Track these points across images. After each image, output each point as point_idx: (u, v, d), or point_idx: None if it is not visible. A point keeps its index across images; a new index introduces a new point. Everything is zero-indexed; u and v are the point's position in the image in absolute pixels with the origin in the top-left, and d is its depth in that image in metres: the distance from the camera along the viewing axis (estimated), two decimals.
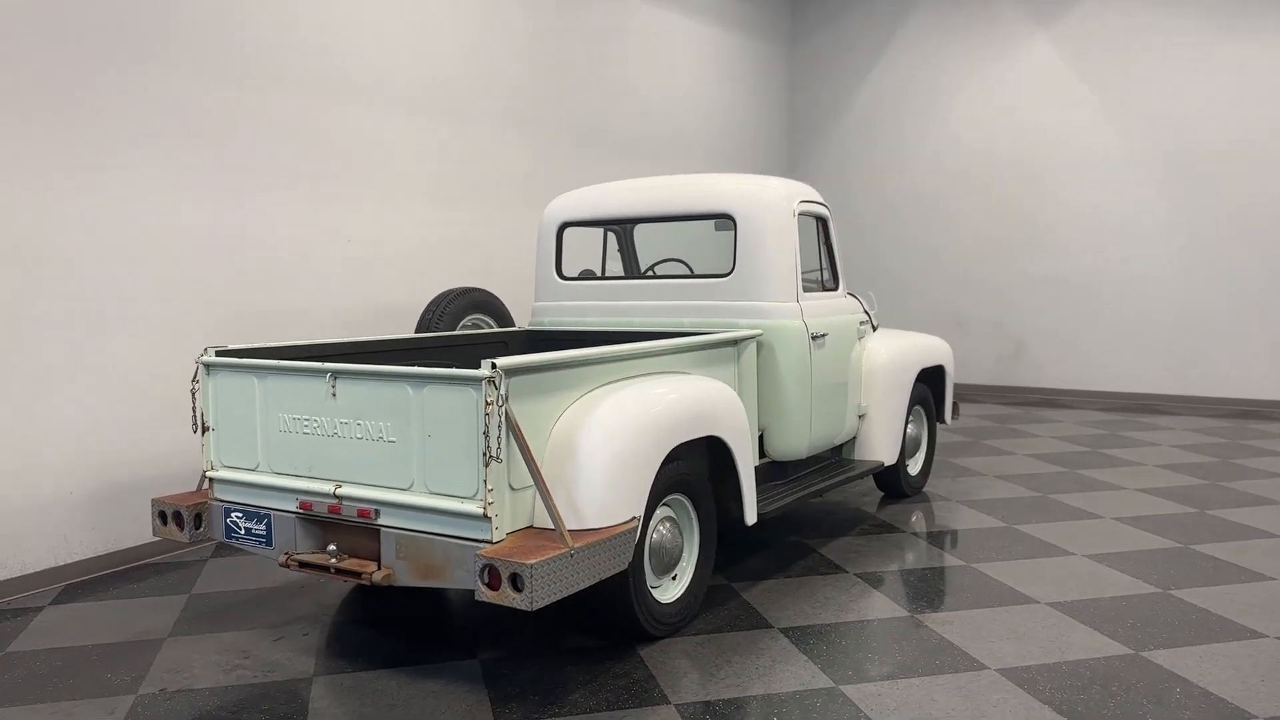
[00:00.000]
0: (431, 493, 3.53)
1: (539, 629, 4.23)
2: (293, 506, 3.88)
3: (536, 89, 8.06)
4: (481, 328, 5.67)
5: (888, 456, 5.89)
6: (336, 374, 3.72)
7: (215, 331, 5.61)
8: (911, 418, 6.43)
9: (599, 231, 7.30)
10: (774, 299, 5.05)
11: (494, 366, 3.35)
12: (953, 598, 4.52)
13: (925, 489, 6.67)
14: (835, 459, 5.83)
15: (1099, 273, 10.59)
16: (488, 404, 3.34)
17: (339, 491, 3.72)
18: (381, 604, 4.59)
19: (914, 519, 5.90)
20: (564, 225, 5.69)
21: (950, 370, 6.70)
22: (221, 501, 4.10)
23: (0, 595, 4.72)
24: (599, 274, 6.16)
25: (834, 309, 5.47)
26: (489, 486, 3.36)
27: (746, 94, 11.30)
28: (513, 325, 5.86)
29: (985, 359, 11.31)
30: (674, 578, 4.25)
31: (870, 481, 6.80)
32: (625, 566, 3.64)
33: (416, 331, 5.37)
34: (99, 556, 5.11)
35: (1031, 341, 11.02)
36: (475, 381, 3.39)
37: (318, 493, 3.78)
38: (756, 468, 5.04)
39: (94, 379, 5.08)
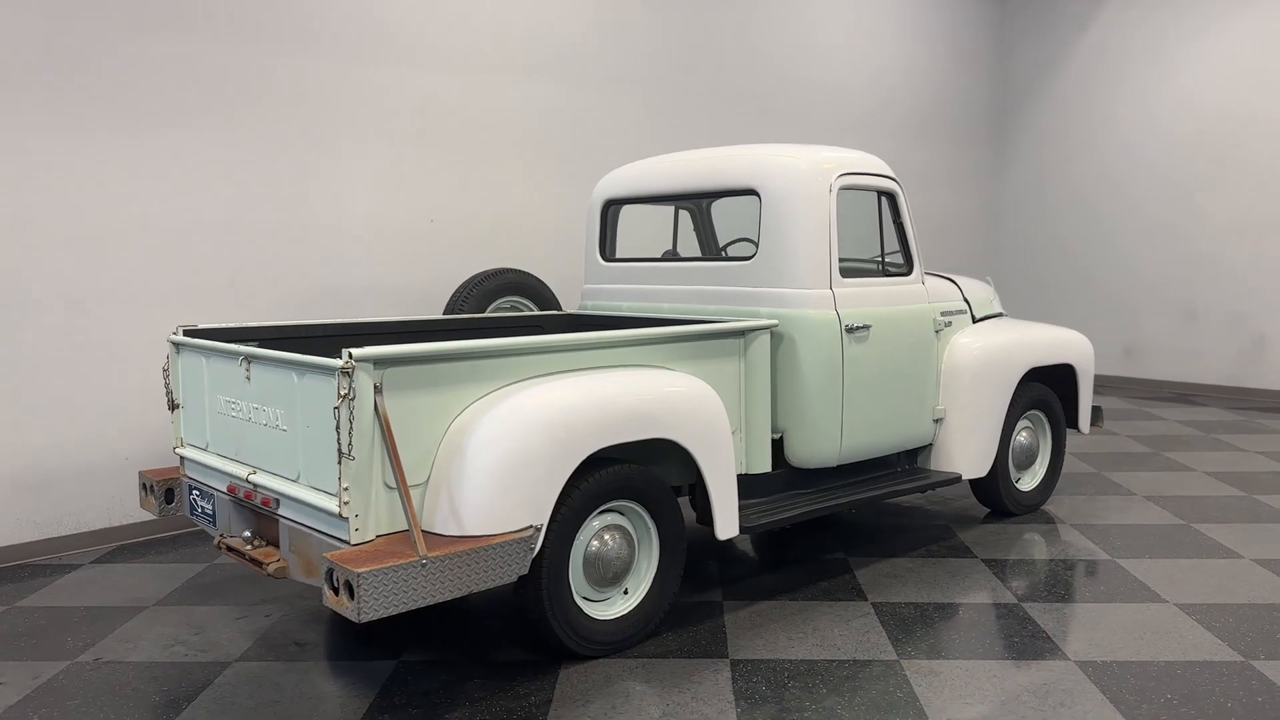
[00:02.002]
0: (310, 487, 3.37)
1: (485, 635, 3.98)
2: (225, 489, 3.86)
3: (674, 50, 7.69)
4: (521, 310, 5.45)
5: (971, 468, 5.10)
6: (249, 358, 3.64)
7: (276, 307, 5.77)
8: (1022, 425, 5.54)
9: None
10: (799, 285, 4.46)
11: (349, 356, 3.12)
12: (970, 657, 3.81)
13: (1045, 507, 5.74)
14: (904, 467, 5.12)
15: None
16: (340, 396, 3.12)
17: (251, 478, 3.65)
18: None
19: (998, 545, 5.07)
20: (608, 203, 5.35)
21: (1084, 370, 5.71)
22: (187, 479, 4.16)
23: (53, 551, 5.10)
24: (678, 255, 5.78)
25: (890, 297, 4.77)
26: (344, 485, 3.15)
27: (949, 56, 10.29)
28: (558, 309, 5.59)
29: (1218, 355, 9.71)
30: (625, 592, 3.86)
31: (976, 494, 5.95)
32: (514, 579, 3.31)
33: (444, 314, 5.24)
34: (150, 521, 5.40)
35: (1275, 337, 9.31)
36: (331, 372, 3.18)
37: (238, 477, 3.73)
38: (775, 475, 4.50)
39: (154, 353, 5.35)
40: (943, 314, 5.12)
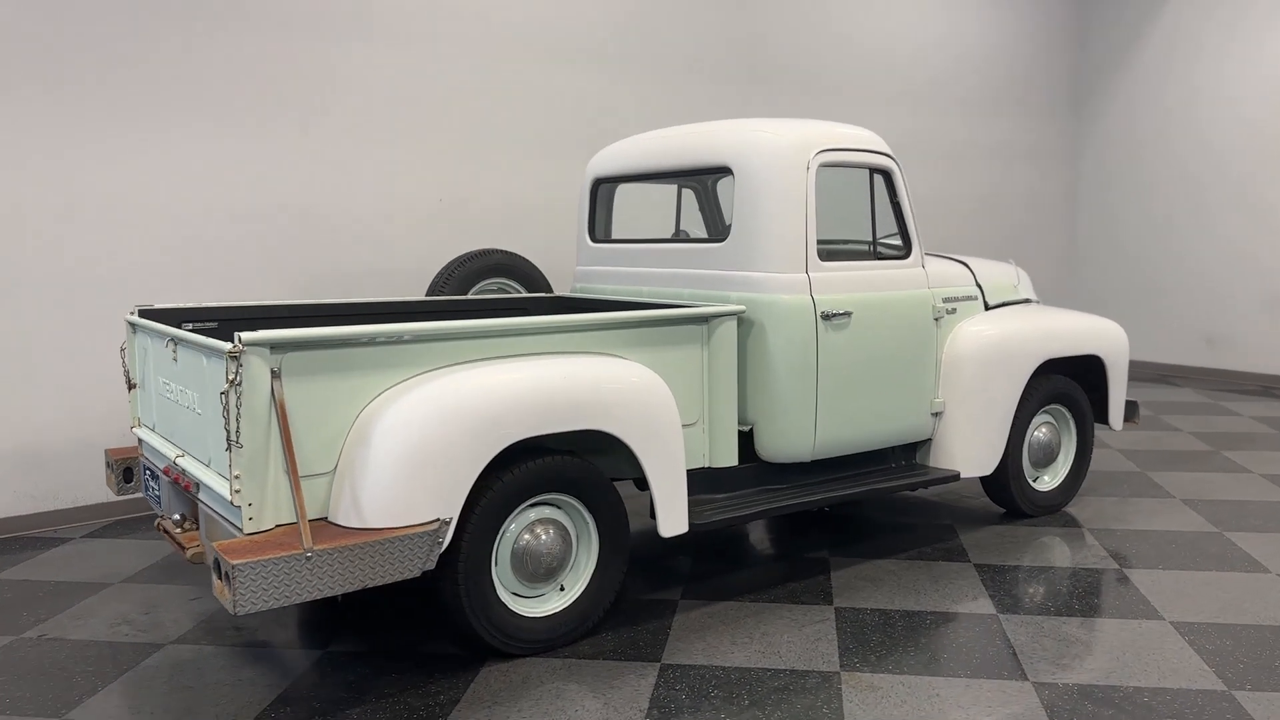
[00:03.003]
0: (216, 473, 3.31)
1: (426, 628, 3.88)
2: (164, 470, 3.84)
3: (706, 21, 7.43)
4: (509, 292, 5.31)
5: (972, 466, 4.76)
6: (175, 340, 3.59)
7: (283, 288, 5.78)
8: (1041, 420, 5.15)
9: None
10: (770, 269, 4.21)
11: (238, 340, 3.03)
12: (920, 673, 3.53)
13: (1067, 509, 5.34)
14: (900, 463, 4.81)
15: None
16: (228, 382, 3.03)
17: (179, 460, 3.61)
18: None
19: (999, 549, 4.73)
20: (597, 181, 5.16)
21: (1114, 361, 5.28)
22: (144, 459, 4.17)
23: (49, 524, 5.22)
24: (687, 235, 5.57)
25: (878, 281, 4.46)
26: (234, 472, 3.06)
27: (1021, 23, 9.73)
28: (548, 291, 5.43)
29: None
30: (561, 588, 3.70)
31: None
32: (418, 574, 3.19)
33: (427, 296, 5.14)
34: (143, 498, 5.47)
35: None
36: (220, 355, 3.09)
37: (169, 459, 3.71)
38: (743, 469, 4.27)
39: None
40: (945, 300, 4.78)
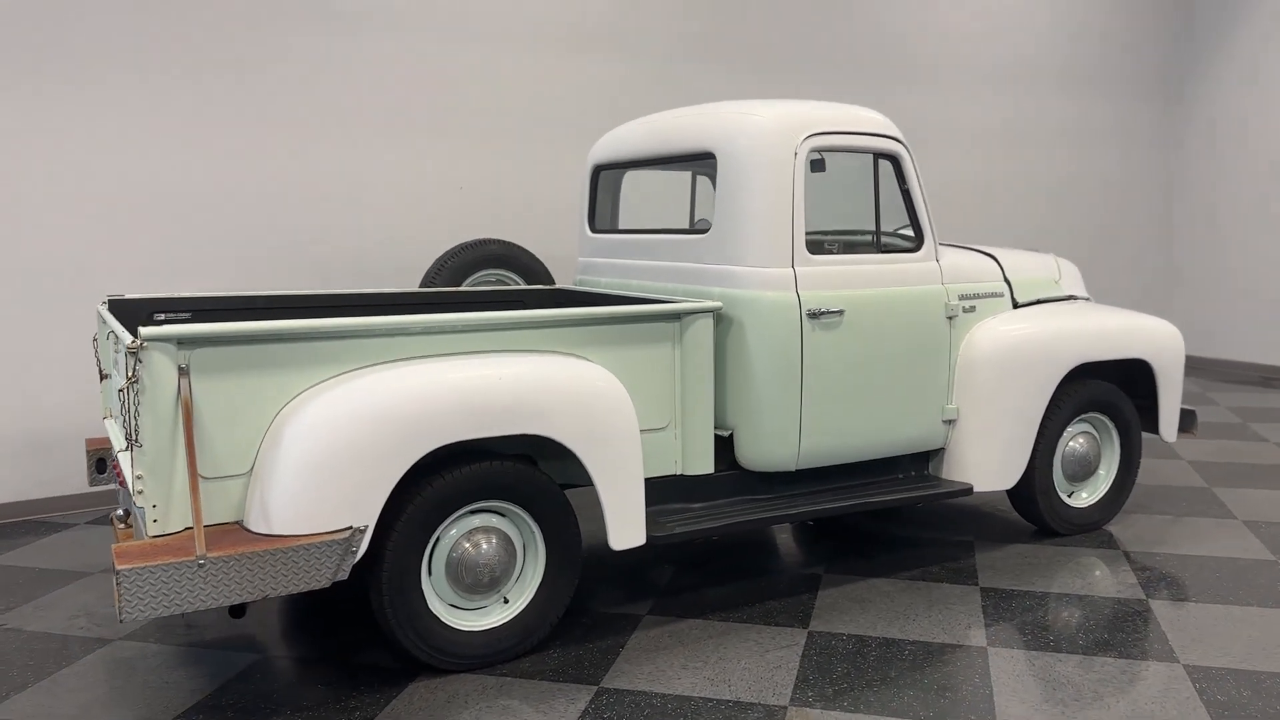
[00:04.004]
0: (134, 471, 3.21)
1: (371, 636, 3.73)
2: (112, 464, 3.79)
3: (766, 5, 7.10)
4: (507, 284, 5.12)
5: (989, 479, 4.36)
6: (114, 333, 3.51)
7: (284, 278, 5.73)
8: (1078, 429, 4.70)
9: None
10: (751, 263, 3.90)
11: (136, 337, 2.91)
12: (873, 711, 3.20)
13: (1109, 527, 4.86)
14: (909, 474, 4.44)
15: None
16: (126, 379, 2.92)
17: (119, 454, 3.54)
18: None
19: (1015, 571, 4.31)
20: (596, 169, 4.92)
21: (1164, 365, 4.77)
22: (114, 450, 4.14)
23: (57, 509, 5.29)
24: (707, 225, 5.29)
25: (878, 277, 4.10)
26: (136, 473, 2.95)
27: (1113, 2, 9.06)
28: (549, 283, 5.22)
29: None
30: (505, 601, 3.49)
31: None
32: (327, 584, 3.02)
33: (420, 288, 4.99)
34: None
35: None
36: (130, 350, 2.98)
37: (115, 453, 3.64)
38: (722, 478, 3.98)
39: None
40: (962, 297, 4.38)
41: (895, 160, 4.21)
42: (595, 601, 3.98)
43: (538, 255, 5.94)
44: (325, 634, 3.71)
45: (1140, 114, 9.53)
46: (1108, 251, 9.45)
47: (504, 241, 5.04)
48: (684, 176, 6.28)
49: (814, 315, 3.91)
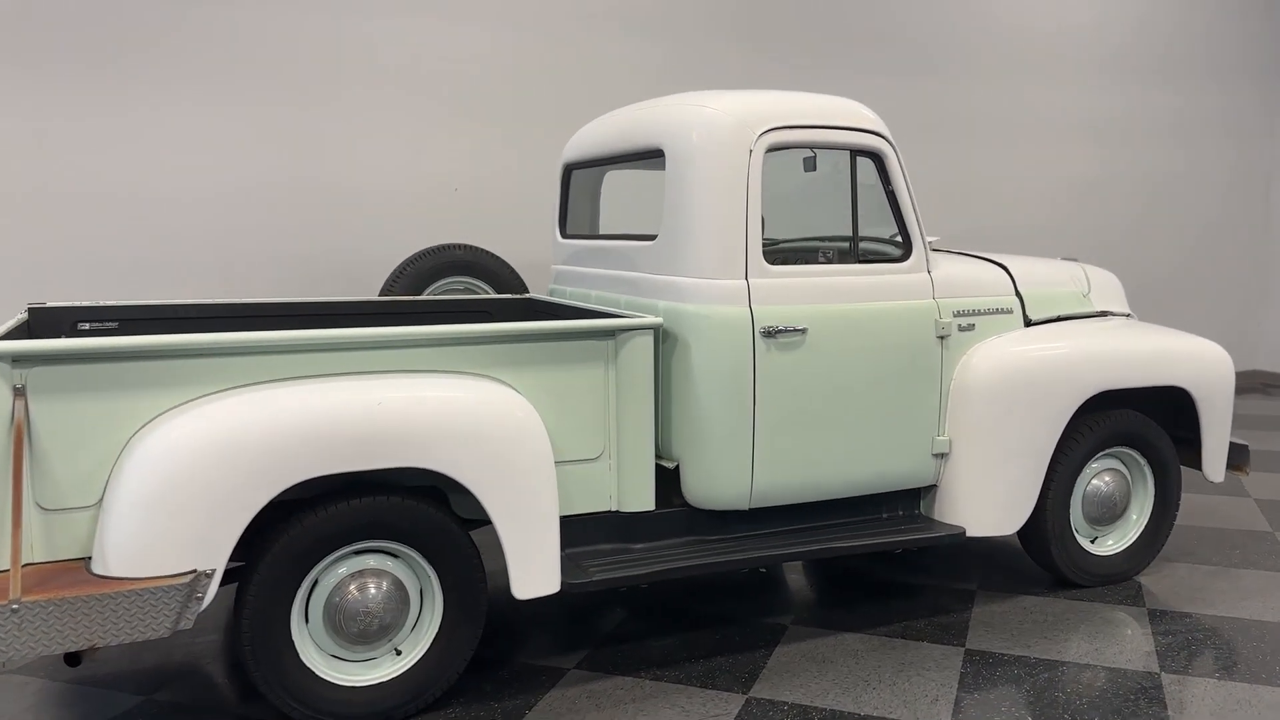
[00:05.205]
0: None
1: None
2: None
3: None
4: (475, 293, 4.76)
5: (984, 523, 3.81)
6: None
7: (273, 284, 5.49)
8: (1103, 466, 4.10)
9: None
10: (697, 273, 3.45)
11: None
12: None
13: (1139, 578, 4.24)
14: (896, 514, 3.91)
15: None
16: None
17: None
18: None
19: (1014, 631, 3.75)
20: (569, 168, 4.51)
21: (1208, 394, 4.13)
22: None
23: None
24: None
25: (850, 291, 3.59)
26: None
27: None
28: (521, 291, 4.84)
29: None
30: (397, 652, 3.12)
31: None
32: (167, 633, 2.70)
33: (380, 296, 4.66)
34: None
35: None
36: None
37: None
38: (667, 515, 3.54)
39: None
40: (957, 313, 3.84)
41: (878, 158, 3.70)
42: (523, 651, 3.57)
43: (529, 262, 5.57)
44: (229, 679, 3.40)
45: (1243, 104, 8.67)
46: (1200, 257, 8.65)
47: (470, 246, 4.68)
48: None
49: (770, 334, 3.43)
